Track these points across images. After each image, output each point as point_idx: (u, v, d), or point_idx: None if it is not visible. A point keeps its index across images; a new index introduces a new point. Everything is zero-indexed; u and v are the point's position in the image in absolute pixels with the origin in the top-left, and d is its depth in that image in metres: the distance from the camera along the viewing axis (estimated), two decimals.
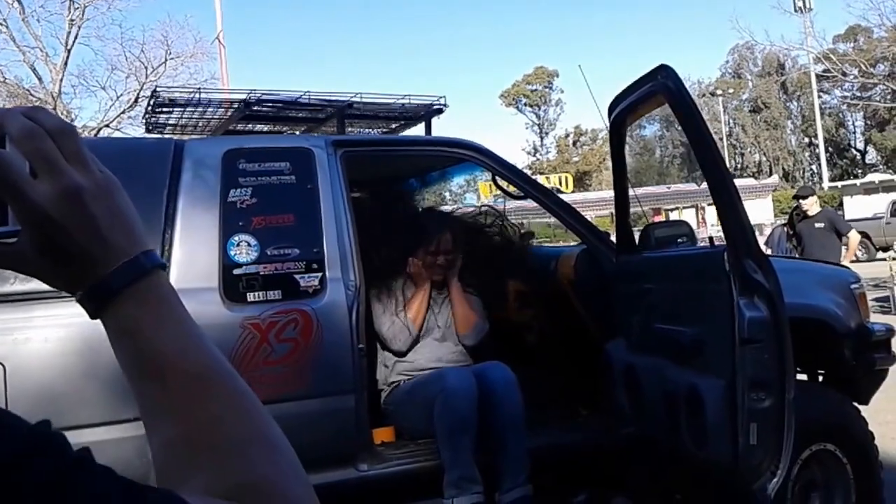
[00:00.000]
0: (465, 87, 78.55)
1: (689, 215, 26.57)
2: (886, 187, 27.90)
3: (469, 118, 67.07)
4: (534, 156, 59.01)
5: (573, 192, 34.15)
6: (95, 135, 18.06)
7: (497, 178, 3.63)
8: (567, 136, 58.63)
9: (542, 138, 59.74)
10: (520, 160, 53.72)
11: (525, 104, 58.52)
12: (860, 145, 54.64)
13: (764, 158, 54.03)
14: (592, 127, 54.60)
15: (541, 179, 23.69)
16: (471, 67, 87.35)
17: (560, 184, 31.78)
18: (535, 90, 58.04)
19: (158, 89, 3.73)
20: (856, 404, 3.41)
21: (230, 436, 0.60)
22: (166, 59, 20.93)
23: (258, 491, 0.57)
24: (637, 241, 3.47)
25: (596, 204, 27.80)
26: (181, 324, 0.62)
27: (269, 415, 0.63)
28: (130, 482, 0.49)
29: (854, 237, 8.00)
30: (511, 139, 79.32)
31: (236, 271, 2.86)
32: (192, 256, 2.84)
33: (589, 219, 3.86)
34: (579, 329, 3.62)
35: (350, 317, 2.92)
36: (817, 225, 7.69)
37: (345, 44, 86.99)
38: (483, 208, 4.11)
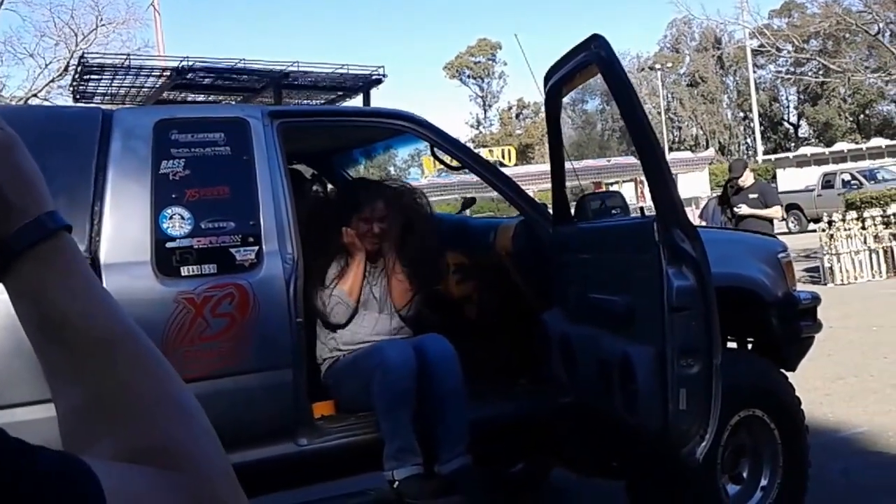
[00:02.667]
0: (411, 58, 77.98)
1: (628, 188, 26.96)
2: (818, 160, 28.71)
3: (415, 90, 66.67)
4: (477, 129, 59.10)
5: (515, 165, 34.20)
6: (24, 104, 17.39)
7: (436, 150, 3.62)
8: (510, 108, 58.78)
9: (485, 111, 59.84)
10: (463, 133, 53.75)
11: (469, 76, 58.41)
12: (793, 119, 56.09)
13: (701, 132, 55.01)
14: (535, 100, 54.62)
15: (484, 153, 23.69)
16: (416, 39, 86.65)
17: (503, 157, 31.79)
18: (479, 62, 57.93)
19: (86, 55, 3.60)
20: (783, 371, 3.52)
21: (137, 400, 0.58)
22: (97, 26, 20.22)
23: (166, 453, 0.56)
24: (573, 212, 3.51)
25: (538, 177, 27.83)
26: (86, 286, 0.61)
27: (180, 379, 0.62)
28: (22, 442, 0.49)
29: (776, 212, 8.14)
30: (456, 112, 79.07)
31: (169, 245, 2.79)
32: (123, 230, 2.77)
33: (531, 193, 3.87)
34: (518, 300, 3.65)
35: (288, 290, 2.89)
36: (751, 196, 7.88)
37: (283, 13, 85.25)
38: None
